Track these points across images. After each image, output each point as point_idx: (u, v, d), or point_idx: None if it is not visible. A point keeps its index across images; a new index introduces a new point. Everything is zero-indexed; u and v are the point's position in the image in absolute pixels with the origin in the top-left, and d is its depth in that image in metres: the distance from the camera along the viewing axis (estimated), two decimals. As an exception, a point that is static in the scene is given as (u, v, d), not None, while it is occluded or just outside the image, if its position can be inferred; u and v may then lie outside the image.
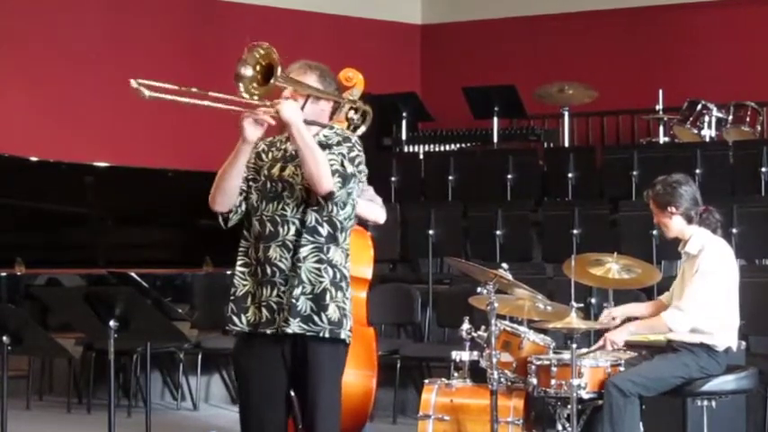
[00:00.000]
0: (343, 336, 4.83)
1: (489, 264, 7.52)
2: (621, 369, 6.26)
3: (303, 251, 4.76)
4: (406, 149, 12.22)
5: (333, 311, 4.79)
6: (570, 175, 10.49)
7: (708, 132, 10.72)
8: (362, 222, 6.72)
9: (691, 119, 10.77)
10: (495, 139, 11.89)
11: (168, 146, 11.83)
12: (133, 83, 4.55)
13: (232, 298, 4.87)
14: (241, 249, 4.89)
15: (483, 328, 6.41)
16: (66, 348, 5.91)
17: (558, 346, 6.67)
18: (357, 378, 6.18)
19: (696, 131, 10.74)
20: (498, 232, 9.68)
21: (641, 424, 6.20)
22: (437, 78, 13.66)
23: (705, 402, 6.36)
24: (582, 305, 6.79)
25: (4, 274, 7.78)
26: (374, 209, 6.63)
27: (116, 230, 8.60)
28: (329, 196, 4.73)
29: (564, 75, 12.15)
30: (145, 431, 7.39)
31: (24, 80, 11.62)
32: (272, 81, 4.64)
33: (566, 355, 6.25)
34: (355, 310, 6.26)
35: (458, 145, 12.21)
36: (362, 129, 5.08)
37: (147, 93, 4.56)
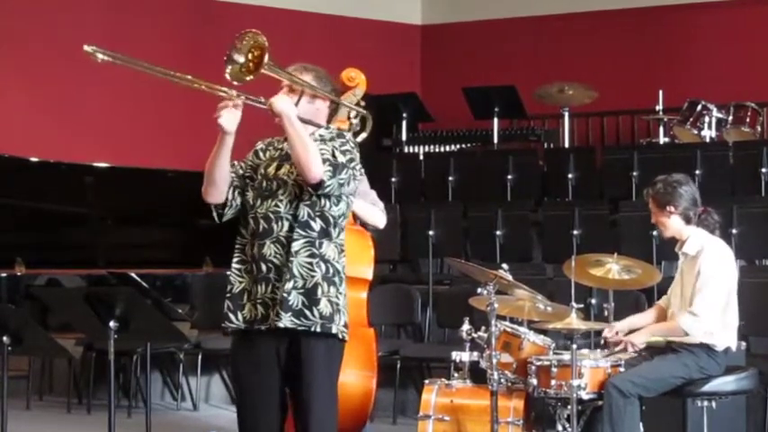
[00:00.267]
0: (335, 330, 4.85)
1: (489, 264, 7.52)
2: (621, 370, 6.26)
3: (295, 245, 4.80)
4: (406, 150, 12.22)
5: (324, 306, 4.81)
6: (570, 175, 10.49)
7: (708, 133, 10.72)
8: (363, 224, 6.72)
9: (691, 119, 10.77)
10: (496, 140, 11.89)
11: (168, 146, 11.83)
12: (87, 48, 4.61)
13: (228, 295, 4.91)
14: (237, 247, 4.95)
15: (483, 328, 6.41)
16: (66, 348, 5.91)
17: (558, 346, 6.67)
18: (357, 378, 6.19)
19: (696, 132, 10.74)
20: (498, 233, 9.68)
21: (641, 424, 6.20)
22: (437, 79, 13.66)
23: (705, 403, 6.36)
24: (582, 306, 6.79)
25: (4, 274, 7.77)
26: (375, 212, 6.63)
27: (116, 230, 8.59)
28: (319, 185, 4.76)
29: (564, 75, 12.15)
30: (145, 431, 7.40)
31: (24, 80, 11.62)
32: (261, 68, 4.70)
33: (566, 356, 6.25)
34: (356, 310, 6.30)
35: (458, 145, 12.21)
36: (363, 135, 5.10)
37: (99, 56, 4.67)
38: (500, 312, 6.37)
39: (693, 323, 6.17)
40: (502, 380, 6.32)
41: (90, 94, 11.72)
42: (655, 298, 8.11)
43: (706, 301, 6.17)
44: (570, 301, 6.23)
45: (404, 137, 12.21)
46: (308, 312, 4.79)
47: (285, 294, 4.77)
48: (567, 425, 6.20)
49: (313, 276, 4.81)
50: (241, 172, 4.96)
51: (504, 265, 6.54)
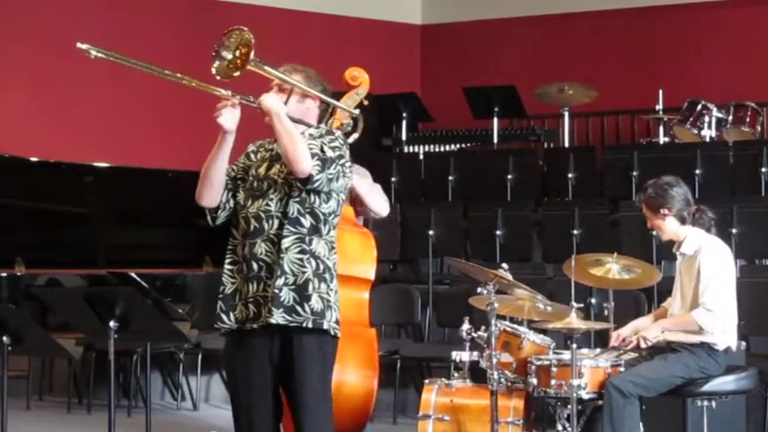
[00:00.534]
0: (326, 326, 4.86)
1: (489, 264, 7.52)
2: (621, 369, 6.26)
3: (285, 242, 4.82)
4: (406, 150, 12.21)
5: (316, 302, 4.83)
6: (570, 175, 10.49)
7: (708, 132, 10.72)
8: (366, 222, 6.71)
9: (691, 119, 10.77)
10: (496, 140, 11.88)
11: (168, 146, 11.83)
12: (80, 45, 4.66)
13: (221, 296, 4.95)
14: (229, 248, 4.98)
15: (483, 328, 6.41)
16: (66, 348, 5.90)
17: (558, 346, 6.67)
18: (359, 378, 6.19)
19: (696, 132, 10.74)
20: (498, 232, 9.68)
21: (641, 424, 6.20)
22: (437, 78, 13.66)
23: (705, 403, 6.37)
24: (582, 305, 6.79)
25: (4, 274, 7.77)
26: (376, 196, 6.59)
27: (116, 230, 8.59)
28: (308, 180, 4.78)
29: (564, 75, 12.14)
30: (145, 431, 7.40)
31: (24, 80, 11.62)
32: (247, 65, 4.73)
33: (566, 356, 6.25)
34: (358, 310, 6.30)
35: (458, 145, 12.21)
36: (355, 135, 5.10)
37: (93, 53, 4.73)
38: (500, 312, 6.38)
39: (708, 318, 6.16)
40: (502, 379, 6.32)
41: (90, 94, 11.73)
42: (655, 298, 8.14)
43: (717, 296, 6.17)
44: (570, 301, 6.23)
45: (404, 137, 12.20)
46: (299, 308, 4.81)
47: (276, 291, 4.79)
48: (567, 424, 6.20)
49: (304, 272, 4.83)
50: (233, 174, 4.99)
51: (504, 265, 6.55)
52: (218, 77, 4.76)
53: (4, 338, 5.59)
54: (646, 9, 12.82)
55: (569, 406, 6.13)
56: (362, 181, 6.56)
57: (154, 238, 8.69)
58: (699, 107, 10.74)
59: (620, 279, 6.59)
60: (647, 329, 6.31)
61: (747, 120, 10.85)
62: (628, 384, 6.13)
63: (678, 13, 12.67)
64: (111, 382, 5.35)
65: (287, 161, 4.78)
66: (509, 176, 10.58)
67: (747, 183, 9.81)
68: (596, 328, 6.80)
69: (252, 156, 5.03)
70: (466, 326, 6.48)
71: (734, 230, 8.66)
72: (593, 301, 8.26)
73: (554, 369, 6.23)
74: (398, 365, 8.66)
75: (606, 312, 6.67)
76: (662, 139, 11.24)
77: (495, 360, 6.21)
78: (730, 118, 10.81)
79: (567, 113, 11.98)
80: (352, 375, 6.17)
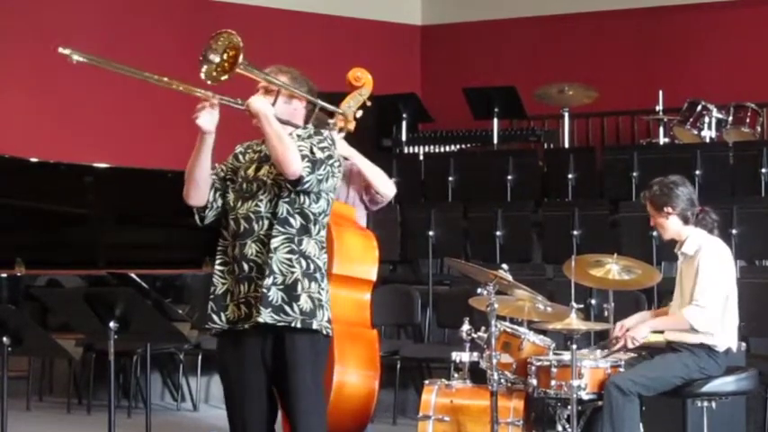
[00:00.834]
0: (315, 326, 4.88)
1: (489, 265, 7.52)
2: (621, 369, 6.26)
3: (274, 242, 4.85)
4: (406, 150, 12.22)
5: (305, 302, 4.85)
6: (570, 175, 10.49)
7: (708, 133, 10.72)
8: (368, 216, 6.68)
9: (691, 120, 10.77)
10: (496, 140, 11.89)
11: (168, 146, 11.81)
12: (62, 50, 4.65)
13: (211, 297, 4.97)
14: (219, 249, 5.01)
15: (483, 329, 6.41)
16: (66, 349, 5.91)
17: (558, 347, 6.66)
18: (360, 379, 6.18)
19: (696, 132, 10.74)
20: (498, 233, 9.68)
21: (641, 425, 6.20)
22: (437, 79, 13.66)
23: (705, 403, 6.36)
24: (582, 306, 6.79)
25: (4, 275, 7.77)
26: (382, 178, 6.55)
27: (116, 231, 8.59)
28: (299, 181, 4.80)
29: (564, 75, 12.15)
30: (145, 431, 7.40)
31: (24, 80, 11.61)
32: (235, 68, 4.73)
33: (566, 356, 6.25)
34: (359, 311, 6.29)
35: (458, 146, 12.21)
36: (342, 133, 5.10)
37: (75, 57, 4.78)
38: (500, 313, 6.37)
39: (698, 314, 6.16)
40: (502, 380, 6.31)
41: (90, 95, 11.72)
42: (655, 298, 8.14)
43: (711, 295, 6.16)
44: (570, 302, 6.24)
45: (404, 137, 12.20)
46: (287, 308, 4.83)
47: (265, 290, 4.81)
48: (567, 425, 6.20)
49: (293, 272, 4.85)
50: (222, 174, 5.01)
51: (504, 266, 6.54)
52: (208, 82, 4.77)
53: (4, 339, 5.59)
54: (646, 9, 12.82)
55: (569, 406, 6.13)
56: (367, 161, 6.52)
57: (154, 238, 8.69)
58: (699, 108, 10.74)
59: (621, 280, 6.59)
60: (635, 329, 6.29)
61: (747, 120, 10.85)
62: (628, 383, 6.13)
63: (678, 14, 12.67)
64: (111, 383, 5.35)
65: (277, 163, 4.80)
66: (509, 177, 10.58)
67: (747, 183, 9.81)
68: (596, 328, 6.80)
69: (240, 157, 5.05)
70: (466, 326, 6.48)
71: (734, 231, 8.66)
72: (593, 301, 8.26)
73: (554, 370, 6.23)
74: (398, 366, 8.66)
75: (606, 313, 6.67)
76: (662, 140, 11.25)
77: (495, 361, 6.21)
78: (730, 119, 10.81)
79: (567, 114, 11.98)
80: (353, 376, 6.16)
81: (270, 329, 4.84)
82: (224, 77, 4.76)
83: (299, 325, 4.84)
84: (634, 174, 10.03)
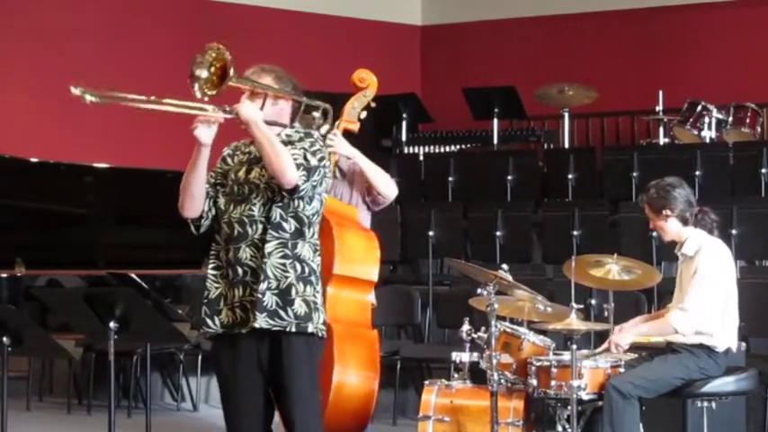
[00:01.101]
0: (311, 330, 4.88)
1: (489, 265, 7.51)
2: (621, 370, 6.25)
3: (268, 247, 4.84)
4: (406, 150, 12.22)
5: (299, 306, 4.85)
6: (570, 176, 10.49)
7: (708, 133, 10.72)
8: (374, 214, 6.66)
9: (691, 120, 10.77)
10: (496, 141, 11.89)
11: (168, 146, 11.82)
12: (74, 90, 4.60)
13: (205, 301, 4.96)
14: (212, 252, 4.98)
15: (483, 329, 6.40)
16: (66, 349, 5.91)
17: (558, 347, 6.66)
18: (360, 380, 6.17)
19: (696, 132, 10.74)
20: (498, 233, 9.68)
21: (641, 425, 6.20)
22: (437, 79, 13.66)
23: (705, 404, 6.36)
24: (582, 306, 6.78)
25: (4, 275, 7.78)
26: (386, 178, 6.54)
27: (116, 231, 8.60)
28: (294, 190, 4.80)
29: (564, 76, 12.15)
30: (145, 432, 7.41)
31: (24, 80, 11.61)
32: (226, 82, 4.71)
33: (566, 357, 6.25)
34: (361, 312, 6.29)
35: (458, 146, 12.21)
36: (326, 127, 5.06)
37: (87, 97, 4.65)
38: (500, 313, 6.37)
39: (682, 318, 6.15)
40: (502, 380, 6.31)
41: (90, 95, 11.71)
42: (655, 298, 8.14)
43: (698, 298, 6.16)
44: (570, 302, 6.23)
45: (404, 137, 12.21)
46: (282, 313, 4.83)
47: (260, 295, 4.81)
48: (567, 425, 6.19)
49: (287, 277, 4.84)
50: (212, 181, 4.98)
51: (504, 266, 6.54)
52: (204, 98, 4.75)
53: (5, 339, 5.59)
54: (646, 9, 12.82)
55: (569, 407, 6.13)
56: (374, 166, 6.50)
57: (154, 238, 8.70)
58: (699, 108, 10.74)
59: (620, 280, 6.59)
60: (619, 335, 6.29)
61: (747, 121, 10.86)
62: (627, 385, 6.13)
63: (678, 14, 12.67)
64: (111, 383, 5.35)
65: (272, 172, 4.78)
66: (509, 177, 10.58)
67: (747, 184, 9.81)
68: (596, 329, 6.80)
69: (228, 159, 5.02)
70: (466, 327, 6.48)
71: (734, 231, 8.66)
72: (593, 302, 8.26)
73: (554, 370, 6.23)
74: (398, 366, 8.66)
75: (606, 313, 6.67)
76: (662, 140, 11.25)
77: (495, 361, 6.21)
78: (730, 119, 10.82)
79: (566, 114, 11.99)
80: (353, 377, 6.15)
81: (265, 332, 4.85)
82: (213, 92, 4.73)
83: (293, 329, 4.84)
84: (634, 174, 10.03)
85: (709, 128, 10.71)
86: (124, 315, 5.28)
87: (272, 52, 10.54)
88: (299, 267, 4.86)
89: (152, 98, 4.77)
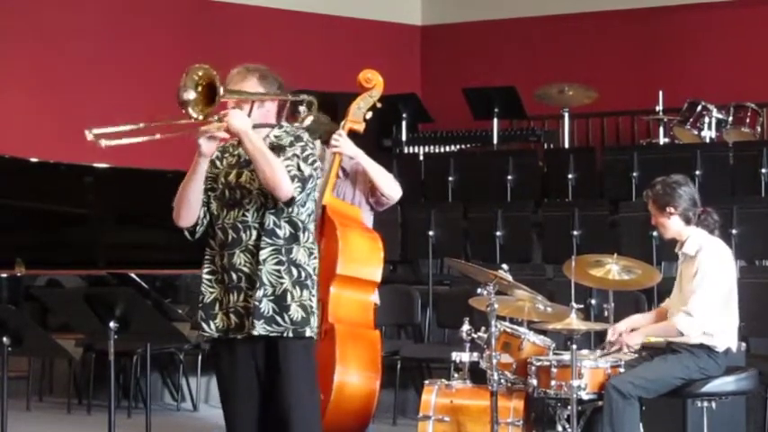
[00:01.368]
0: (308, 334, 4.89)
1: (489, 265, 7.51)
2: (621, 370, 6.25)
3: (263, 254, 4.83)
4: (406, 150, 12.22)
5: (295, 311, 4.85)
6: (570, 176, 10.48)
7: (708, 133, 10.71)
8: (375, 214, 6.66)
9: (691, 120, 10.76)
10: (496, 140, 11.89)
11: (168, 147, 11.80)
12: (89, 135, 4.62)
13: (200, 305, 4.95)
14: (206, 257, 4.98)
15: (483, 329, 6.40)
16: (66, 349, 5.91)
17: (558, 347, 6.66)
18: (361, 380, 6.18)
19: (696, 132, 10.73)
20: (498, 233, 9.68)
21: (641, 425, 6.20)
22: (437, 79, 13.66)
23: (705, 403, 6.36)
24: (582, 306, 6.78)
25: (4, 275, 7.78)
26: (390, 179, 6.54)
27: (116, 231, 8.60)
28: (290, 202, 4.80)
29: (564, 76, 12.14)
30: (145, 431, 7.41)
31: (24, 80, 11.62)
32: (217, 100, 4.71)
33: (566, 357, 6.25)
34: (363, 313, 6.29)
35: (458, 146, 12.21)
36: (310, 118, 5.03)
37: (104, 142, 4.75)
38: (500, 313, 6.37)
39: (688, 323, 6.16)
40: (502, 380, 6.31)
41: (90, 95, 11.72)
42: (655, 298, 8.13)
43: (702, 301, 6.16)
44: (570, 302, 6.23)
45: (404, 137, 12.21)
46: (278, 318, 4.83)
47: (257, 303, 4.81)
48: (567, 425, 6.20)
49: (282, 283, 4.84)
50: (203, 186, 4.95)
51: (504, 266, 6.54)
52: (200, 118, 4.74)
53: (5, 339, 5.59)
54: (645, 9, 12.82)
55: (569, 407, 6.13)
56: (377, 166, 6.50)
57: (153, 238, 8.70)
58: (699, 108, 10.73)
59: (620, 280, 6.59)
60: (630, 336, 6.31)
61: (747, 120, 10.85)
62: (627, 385, 6.13)
63: (678, 14, 12.67)
64: (111, 383, 5.35)
65: (267, 186, 4.76)
66: (509, 177, 10.58)
67: (747, 183, 9.81)
68: (596, 328, 6.79)
69: (217, 162, 4.98)
70: (466, 327, 6.48)
71: (734, 231, 8.66)
72: (593, 301, 8.26)
73: (554, 370, 6.23)
74: (398, 366, 8.66)
75: (606, 313, 6.68)
76: (662, 140, 11.24)
77: (495, 361, 6.21)
78: (730, 119, 10.81)
79: (566, 114, 11.98)
80: (355, 377, 6.16)
81: (262, 337, 4.85)
82: (209, 110, 4.73)
83: (290, 335, 4.84)
84: (634, 174, 10.03)
85: (709, 128, 10.71)
86: (124, 315, 5.28)
87: (272, 52, 10.55)
88: (294, 272, 4.86)
89: (162, 123, 4.76)
